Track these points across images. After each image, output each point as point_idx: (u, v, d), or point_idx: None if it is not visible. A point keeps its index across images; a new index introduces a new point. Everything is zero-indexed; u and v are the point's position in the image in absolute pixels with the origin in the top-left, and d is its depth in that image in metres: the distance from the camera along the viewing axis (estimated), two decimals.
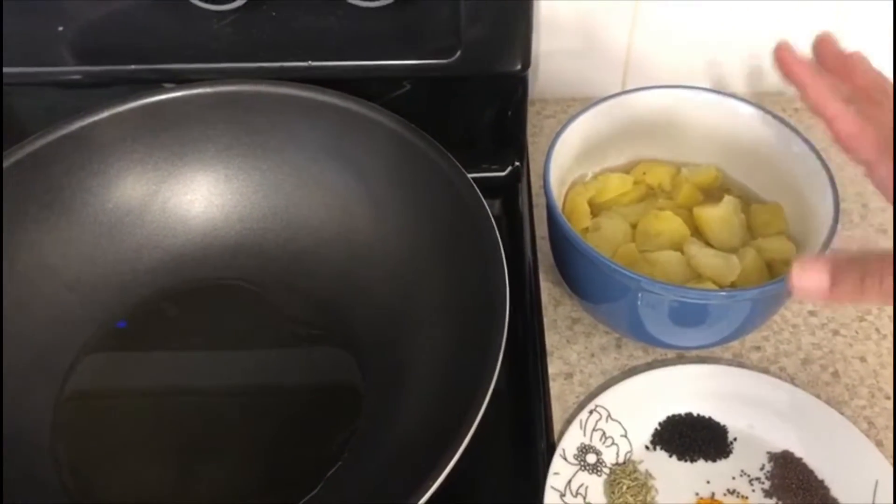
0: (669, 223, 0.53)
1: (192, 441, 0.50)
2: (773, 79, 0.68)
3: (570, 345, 0.55)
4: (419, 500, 0.38)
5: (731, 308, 0.48)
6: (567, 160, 0.54)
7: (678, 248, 0.52)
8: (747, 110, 0.55)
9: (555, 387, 0.53)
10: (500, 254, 0.45)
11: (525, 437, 0.50)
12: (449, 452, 0.39)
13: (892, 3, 0.64)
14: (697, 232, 0.54)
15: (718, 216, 0.53)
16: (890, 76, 0.43)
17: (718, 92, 0.55)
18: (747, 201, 0.56)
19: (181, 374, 0.53)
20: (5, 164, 0.51)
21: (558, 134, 0.52)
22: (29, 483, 0.47)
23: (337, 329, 0.53)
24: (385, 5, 0.51)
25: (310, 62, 0.54)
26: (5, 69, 0.56)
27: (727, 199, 0.54)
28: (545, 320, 0.56)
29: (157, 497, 0.47)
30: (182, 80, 0.54)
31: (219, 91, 0.54)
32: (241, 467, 0.48)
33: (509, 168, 0.62)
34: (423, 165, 0.51)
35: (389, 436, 0.48)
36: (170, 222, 0.57)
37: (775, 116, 0.54)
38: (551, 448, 0.49)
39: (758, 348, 0.55)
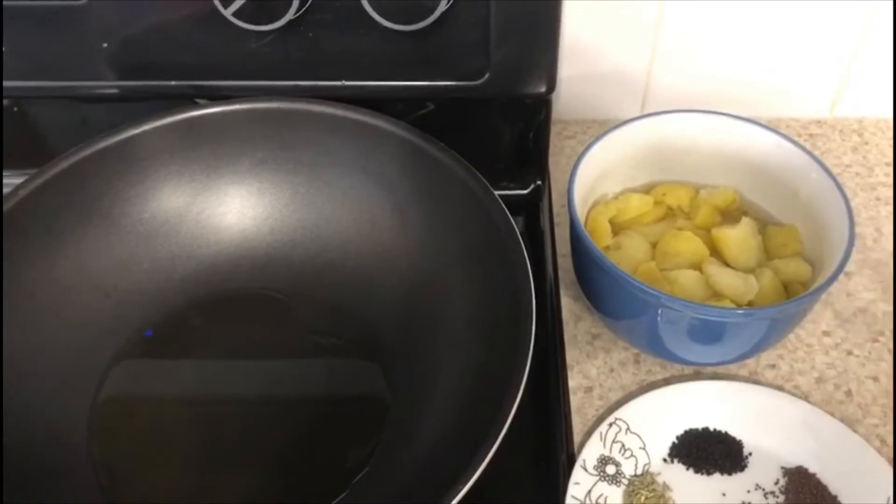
0: (689, 243, 0.54)
1: (221, 446, 0.51)
2: (788, 104, 0.71)
3: (590, 359, 0.57)
4: None
5: (749, 326, 0.49)
6: (589, 180, 0.56)
7: (697, 267, 0.54)
8: (764, 135, 0.56)
9: (575, 400, 0.54)
10: (526, 266, 0.47)
11: (545, 449, 0.51)
12: (474, 463, 0.40)
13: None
14: (716, 252, 0.55)
15: (737, 237, 0.55)
16: None
17: (736, 117, 0.57)
18: (764, 223, 0.57)
19: (211, 381, 0.55)
20: (49, 173, 0.53)
21: (582, 154, 0.54)
22: (66, 482, 0.48)
23: (363, 340, 0.55)
24: (418, 29, 0.53)
25: (343, 81, 0.56)
26: (49, 83, 0.58)
27: (745, 220, 0.56)
28: (565, 335, 0.58)
29: (187, 498, 0.49)
30: (220, 96, 0.56)
31: (255, 108, 0.56)
32: (267, 474, 0.50)
33: (531, 187, 0.64)
34: (449, 181, 0.53)
35: (414, 446, 0.49)
36: (203, 233, 0.59)
37: (791, 141, 0.55)
38: (571, 460, 0.51)
39: (773, 366, 0.56)
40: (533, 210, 0.64)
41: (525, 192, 0.64)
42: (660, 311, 0.49)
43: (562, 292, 0.60)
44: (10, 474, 0.46)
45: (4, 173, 0.63)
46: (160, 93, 0.58)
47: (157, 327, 0.56)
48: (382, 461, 0.49)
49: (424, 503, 0.43)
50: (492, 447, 0.41)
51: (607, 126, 0.56)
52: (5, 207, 0.51)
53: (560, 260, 0.62)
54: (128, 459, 0.50)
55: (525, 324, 0.45)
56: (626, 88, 0.70)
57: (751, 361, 0.56)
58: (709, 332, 0.50)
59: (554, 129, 0.71)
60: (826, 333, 0.58)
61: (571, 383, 0.55)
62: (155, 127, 0.56)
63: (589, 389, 0.55)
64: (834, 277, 0.48)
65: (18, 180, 0.53)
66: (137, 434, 0.52)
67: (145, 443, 0.52)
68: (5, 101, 0.62)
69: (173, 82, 0.56)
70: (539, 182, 0.64)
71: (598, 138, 0.56)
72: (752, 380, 0.55)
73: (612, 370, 0.56)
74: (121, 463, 0.50)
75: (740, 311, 0.49)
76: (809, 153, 0.55)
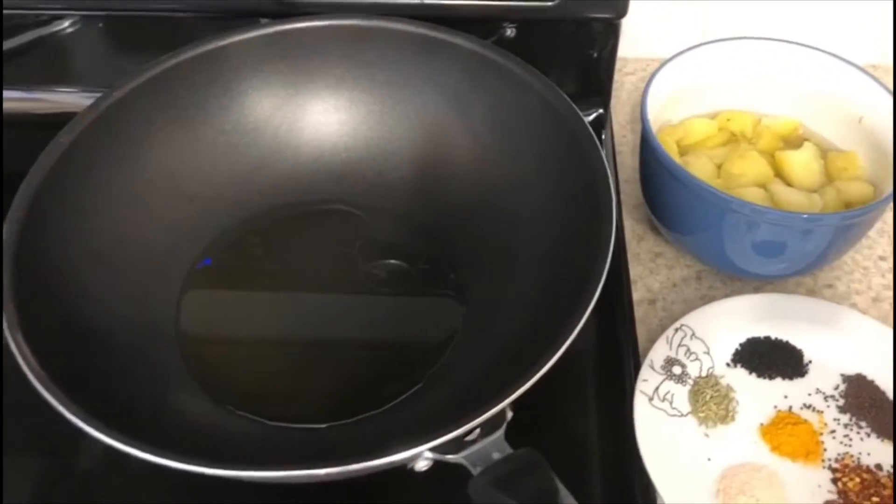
0: (754, 163, 0.56)
1: (306, 335, 0.55)
2: (843, 49, 0.72)
3: (653, 275, 0.59)
4: (520, 388, 0.40)
5: (814, 234, 0.51)
6: (656, 103, 0.58)
7: (762, 187, 0.56)
8: (828, 61, 0.58)
9: (639, 311, 0.57)
10: (605, 169, 0.48)
11: (613, 353, 0.54)
12: (556, 344, 0.42)
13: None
14: (779, 175, 0.57)
15: (800, 159, 0.57)
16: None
17: (800, 44, 0.59)
18: (825, 150, 0.59)
19: (287, 280, 0.57)
20: (141, 79, 0.55)
21: (655, 72, 0.56)
22: (158, 364, 0.51)
23: (437, 250, 0.57)
24: None
25: (422, 0, 0.58)
26: None
27: (807, 144, 0.58)
28: (629, 254, 0.60)
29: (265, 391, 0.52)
30: (302, 12, 0.59)
31: (334, 24, 0.58)
32: (347, 365, 0.53)
33: (594, 114, 0.66)
34: (525, 93, 0.54)
35: (489, 343, 0.51)
36: (281, 147, 0.61)
37: (856, 66, 0.57)
38: (637, 364, 0.53)
39: (830, 286, 0.58)
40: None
41: (588, 119, 0.65)
42: (728, 218, 0.51)
43: (624, 214, 0.62)
44: (106, 356, 0.49)
45: (89, 88, 0.66)
46: (244, 8, 0.60)
47: (229, 247, 0.58)
48: (457, 358, 0.52)
49: (499, 387, 0.44)
50: (570, 336, 0.42)
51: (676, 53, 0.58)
52: (103, 106, 0.53)
53: (622, 186, 0.63)
54: (210, 348, 0.53)
55: (606, 228, 0.46)
56: (686, 27, 0.72)
57: (808, 280, 0.58)
58: (774, 242, 0.52)
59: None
60: (882, 258, 0.60)
61: (635, 296, 0.57)
62: (238, 40, 0.58)
63: (652, 302, 0.57)
64: None
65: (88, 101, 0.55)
66: (218, 325, 0.55)
67: (224, 333, 0.55)
68: (87, 14, 0.64)
69: None
70: (601, 110, 0.66)
71: (665, 63, 0.58)
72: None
73: (674, 285, 0.58)
74: (204, 353, 0.53)
75: (805, 216, 0.51)
76: (874, 77, 0.56)
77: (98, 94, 0.54)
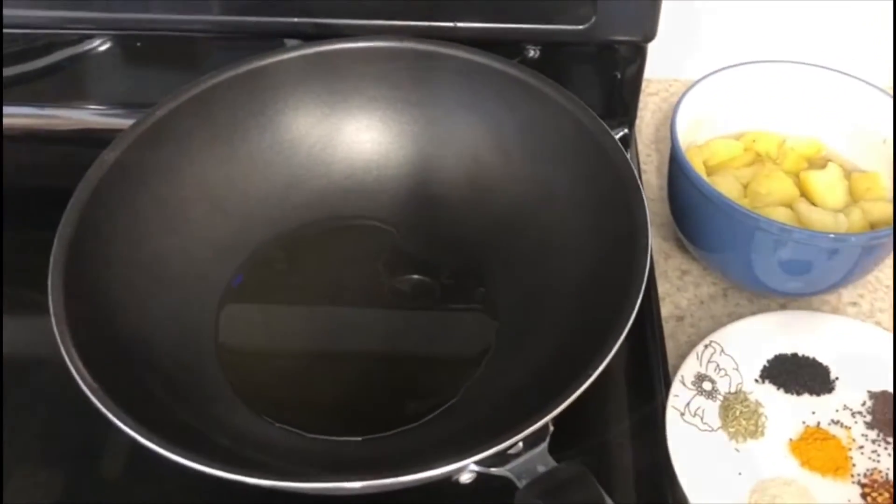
0: (780, 182, 0.57)
1: (334, 341, 0.56)
2: (866, 69, 0.73)
3: (681, 292, 0.60)
4: (564, 402, 0.41)
5: (841, 253, 0.52)
6: (683, 124, 0.59)
7: (787, 206, 0.57)
8: (851, 84, 0.59)
9: (667, 328, 0.58)
10: (639, 188, 0.50)
11: (643, 368, 0.55)
12: (596, 361, 0.43)
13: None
14: (804, 195, 0.58)
15: (825, 179, 0.58)
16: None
17: (823, 66, 0.60)
18: (849, 171, 0.60)
19: (323, 294, 0.58)
20: (182, 98, 0.57)
21: (685, 94, 0.57)
22: (198, 376, 0.52)
23: (469, 268, 0.58)
24: None
25: (456, 23, 0.59)
26: (168, 16, 0.62)
27: (831, 164, 0.59)
28: (656, 271, 0.61)
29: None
30: (337, 34, 0.60)
31: (370, 46, 0.60)
32: (377, 377, 0.54)
33: (619, 134, 0.67)
34: (557, 115, 0.56)
35: (521, 360, 0.52)
36: (315, 165, 0.62)
37: (876, 88, 0.58)
38: (666, 379, 0.54)
39: (854, 304, 0.59)
40: None
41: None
42: (756, 236, 0.52)
43: (651, 232, 0.63)
44: (151, 369, 0.50)
45: (124, 109, 0.69)
46: (278, 30, 0.62)
47: (264, 262, 0.59)
48: (492, 373, 0.53)
49: (538, 402, 0.45)
50: (609, 353, 0.43)
51: (689, 85, 0.59)
52: (146, 124, 0.55)
53: (648, 204, 0.64)
54: (247, 357, 0.55)
55: (641, 249, 0.47)
56: (708, 49, 0.73)
57: (832, 298, 0.59)
58: (801, 261, 0.53)
59: None
60: None
61: (663, 312, 0.58)
62: (278, 61, 0.59)
63: (680, 318, 0.58)
64: None
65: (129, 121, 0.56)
66: (256, 335, 0.56)
67: (261, 340, 0.56)
68: (127, 34, 0.66)
69: (295, 19, 0.60)
70: (626, 130, 0.67)
71: (692, 85, 0.59)
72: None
73: (702, 302, 0.59)
74: (242, 360, 0.54)
75: (833, 236, 0.52)
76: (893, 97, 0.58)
77: (118, 111, 0.56)
